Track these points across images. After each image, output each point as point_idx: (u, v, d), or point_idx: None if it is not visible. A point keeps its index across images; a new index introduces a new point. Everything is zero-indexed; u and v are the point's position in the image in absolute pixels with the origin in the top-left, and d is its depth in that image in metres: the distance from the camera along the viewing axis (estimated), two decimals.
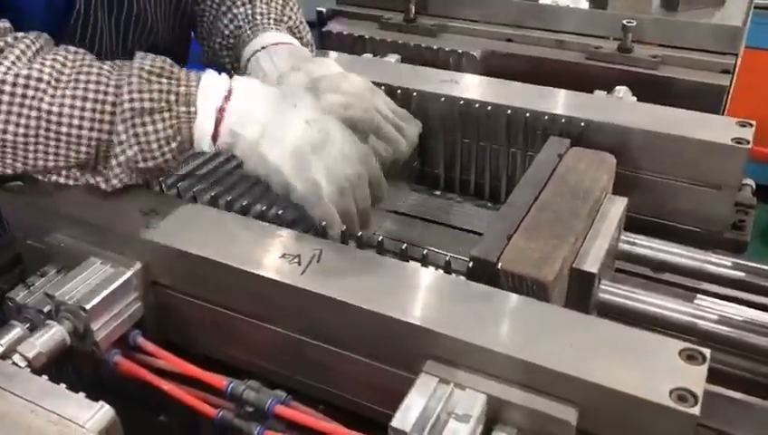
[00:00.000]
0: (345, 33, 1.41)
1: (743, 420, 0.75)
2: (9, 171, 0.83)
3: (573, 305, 0.77)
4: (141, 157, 0.81)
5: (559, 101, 1.02)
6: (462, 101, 1.03)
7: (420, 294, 0.71)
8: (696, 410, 0.57)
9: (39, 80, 0.79)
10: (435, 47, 1.33)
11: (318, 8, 1.48)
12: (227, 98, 0.81)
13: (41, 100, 0.78)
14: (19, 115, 0.78)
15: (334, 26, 1.44)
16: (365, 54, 1.30)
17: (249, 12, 1.08)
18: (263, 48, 1.02)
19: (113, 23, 1.02)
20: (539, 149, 0.94)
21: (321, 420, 0.71)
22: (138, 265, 0.80)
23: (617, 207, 0.87)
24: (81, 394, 0.66)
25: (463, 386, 0.64)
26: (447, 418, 0.61)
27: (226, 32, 1.09)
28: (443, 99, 1.04)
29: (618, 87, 1.16)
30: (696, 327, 0.77)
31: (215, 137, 0.81)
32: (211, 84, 0.82)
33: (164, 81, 0.81)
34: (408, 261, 0.78)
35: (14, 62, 0.79)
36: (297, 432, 0.72)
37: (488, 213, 1.04)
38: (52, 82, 0.79)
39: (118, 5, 1.01)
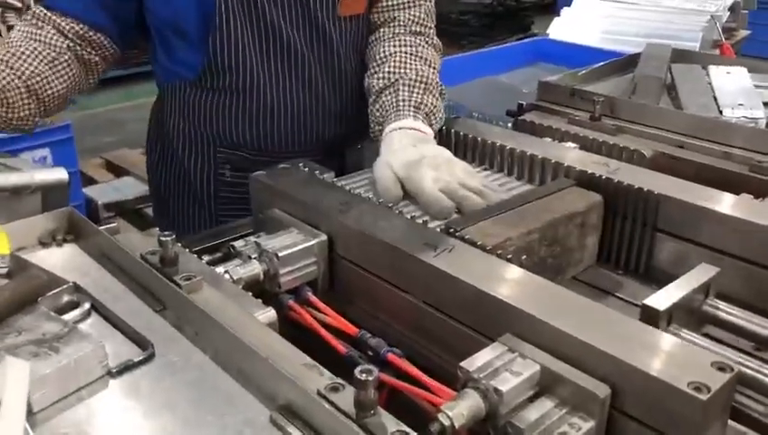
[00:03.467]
0: (536, 122, 1.64)
1: None
2: None
3: None
4: None
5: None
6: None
7: (511, 285, 0.90)
8: (703, 397, 0.70)
9: None
10: (611, 142, 1.51)
11: (519, 101, 1.74)
12: None
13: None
14: None
15: (529, 116, 1.68)
16: (545, 138, 1.53)
17: (394, 100, 1.38)
18: (400, 129, 1.32)
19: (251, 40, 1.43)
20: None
21: (421, 374, 0.91)
22: (323, 237, 1.08)
23: (701, 273, 0.98)
24: (259, 300, 0.93)
25: (525, 356, 0.81)
26: (504, 371, 0.79)
27: (378, 114, 1.41)
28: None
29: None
30: None
31: None
32: None
33: None
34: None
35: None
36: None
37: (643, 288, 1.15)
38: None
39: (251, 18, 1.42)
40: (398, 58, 1.47)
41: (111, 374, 0.76)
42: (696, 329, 0.96)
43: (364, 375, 0.69)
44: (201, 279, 0.93)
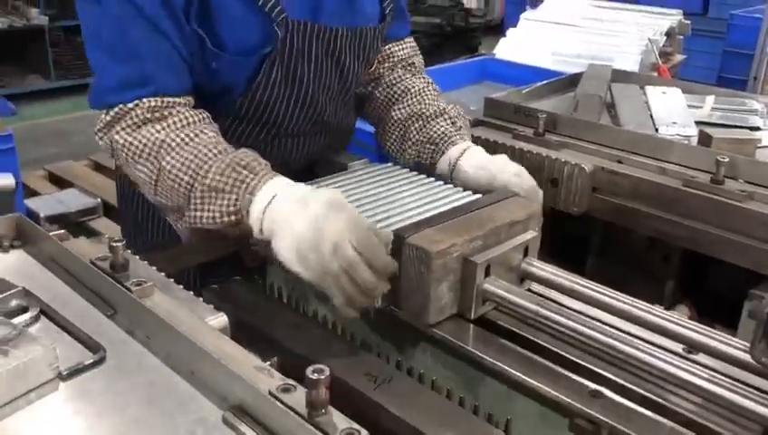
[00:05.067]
0: (482, 137, 1.69)
1: None
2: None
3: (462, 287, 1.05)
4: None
5: None
6: None
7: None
8: None
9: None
10: (554, 157, 1.57)
11: (468, 117, 1.79)
12: (270, 202, 1.09)
13: (163, 157, 1.18)
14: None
15: (476, 132, 1.73)
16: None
17: (451, 126, 1.48)
18: (466, 150, 1.42)
19: (286, 102, 1.38)
20: None
21: None
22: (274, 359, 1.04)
23: (524, 236, 1.12)
24: (211, 305, 0.94)
25: None
26: None
27: (435, 135, 1.45)
28: None
29: None
30: None
31: (261, 230, 1.09)
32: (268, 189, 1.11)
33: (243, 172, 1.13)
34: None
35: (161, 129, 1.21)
36: None
37: None
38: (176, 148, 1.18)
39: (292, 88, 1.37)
40: (431, 89, 1.57)
41: (62, 377, 0.76)
42: (516, 283, 1.12)
43: (316, 374, 0.70)
44: (152, 284, 0.93)
